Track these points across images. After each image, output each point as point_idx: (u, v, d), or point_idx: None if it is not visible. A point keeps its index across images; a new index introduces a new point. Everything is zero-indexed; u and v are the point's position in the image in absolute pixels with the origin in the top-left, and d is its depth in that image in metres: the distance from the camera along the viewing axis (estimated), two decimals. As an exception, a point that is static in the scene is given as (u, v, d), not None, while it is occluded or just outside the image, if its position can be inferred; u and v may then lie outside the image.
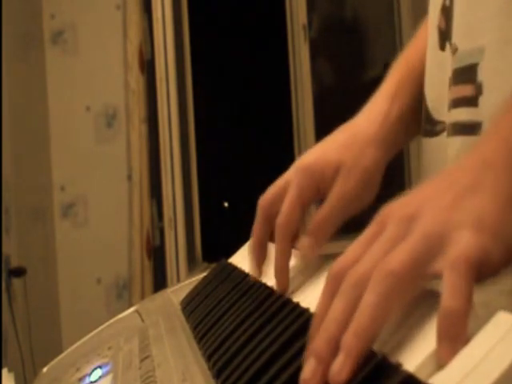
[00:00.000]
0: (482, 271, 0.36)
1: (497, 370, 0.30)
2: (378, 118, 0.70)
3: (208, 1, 3.61)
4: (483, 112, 0.58)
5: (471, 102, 0.60)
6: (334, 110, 3.10)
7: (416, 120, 0.72)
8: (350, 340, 0.36)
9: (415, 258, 0.37)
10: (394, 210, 0.41)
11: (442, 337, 0.34)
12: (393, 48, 3.00)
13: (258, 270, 0.65)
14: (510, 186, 0.38)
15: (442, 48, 0.66)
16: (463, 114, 0.61)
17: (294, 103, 3.11)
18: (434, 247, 0.37)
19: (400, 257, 0.37)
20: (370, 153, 0.67)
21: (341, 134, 0.71)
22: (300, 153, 3.11)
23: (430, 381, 0.32)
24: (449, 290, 0.34)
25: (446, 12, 0.65)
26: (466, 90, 0.60)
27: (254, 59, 3.66)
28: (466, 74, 0.61)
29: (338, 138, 0.70)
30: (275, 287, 0.61)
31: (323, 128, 3.03)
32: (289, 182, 0.65)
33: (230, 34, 3.70)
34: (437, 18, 0.67)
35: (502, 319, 0.33)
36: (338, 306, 0.38)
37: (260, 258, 0.65)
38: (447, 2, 0.65)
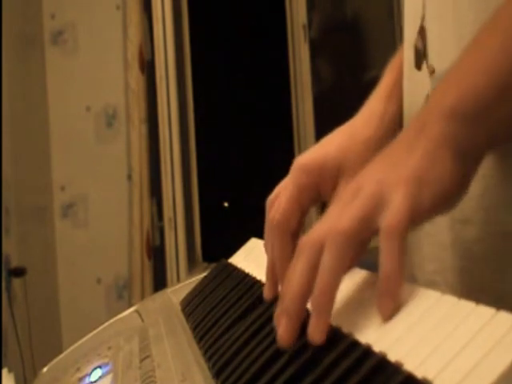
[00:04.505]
0: (415, 221, 0.42)
1: (497, 370, 0.30)
2: (374, 120, 0.71)
3: (208, 1, 3.61)
4: None
5: None
6: (334, 110, 3.10)
7: None
8: (317, 301, 0.42)
9: (360, 217, 0.43)
10: (347, 187, 0.47)
11: (382, 293, 0.41)
12: (393, 48, 2.99)
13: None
14: (437, 135, 0.44)
15: (419, 67, 0.66)
16: None
17: (293, 103, 3.11)
18: (376, 204, 0.43)
19: (348, 218, 0.43)
20: (370, 154, 0.68)
21: (339, 134, 0.71)
22: (300, 153, 3.11)
23: (430, 380, 0.32)
24: (383, 255, 0.41)
25: (423, 32, 0.65)
26: None
27: (254, 59, 3.66)
28: None
29: (336, 138, 0.70)
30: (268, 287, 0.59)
31: (323, 128, 3.03)
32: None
33: (229, 34, 3.70)
34: (413, 37, 0.67)
35: (501, 319, 0.33)
36: (300, 266, 0.44)
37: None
38: (424, 23, 0.65)
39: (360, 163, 0.66)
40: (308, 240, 0.45)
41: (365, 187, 0.44)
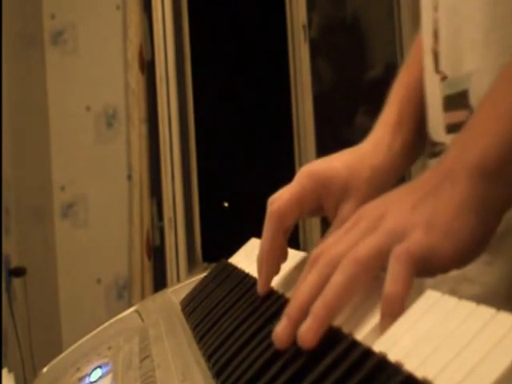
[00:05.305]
0: (429, 265, 0.43)
1: (497, 371, 0.30)
2: (382, 148, 0.70)
3: (208, 1, 3.61)
4: None
5: None
6: (334, 110, 3.10)
7: (417, 148, 0.73)
8: (318, 308, 0.43)
9: (378, 250, 0.44)
10: (367, 210, 0.48)
11: (383, 314, 0.41)
12: (393, 48, 2.99)
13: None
14: (463, 192, 0.44)
15: (438, 71, 0.66)
16: None
17: (293, 103, 3.11)
18: (393, 242, 0.43)
19: (366, 248, 0.44)
20: (377, 181, 0.68)
21: (346, 154, 0.70)
22: (300, 153, 3.11)
23: (430, 380, 0.32)
24: (389, 276, 0.42)
25: (437, 36, 0.65)
26: (462, 116, 0.61)
27: (254, 59, 3.66)
28: (459, 100, 0.62)
29: (343, 157, 0.69)
30: (260, 280, 0.60)
31: (323, 128, 3.03)
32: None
33: (229, 34, 3.70)
34: (430, 41, 0.67)
35: (502, 319, 0.33)
36: (311, 279, 0.46)
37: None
38: (437, 26, 0.65)
39: (366, 188, 0.66)
40: (324, 256, 0.46)
41: (387, 219, 0.45)
